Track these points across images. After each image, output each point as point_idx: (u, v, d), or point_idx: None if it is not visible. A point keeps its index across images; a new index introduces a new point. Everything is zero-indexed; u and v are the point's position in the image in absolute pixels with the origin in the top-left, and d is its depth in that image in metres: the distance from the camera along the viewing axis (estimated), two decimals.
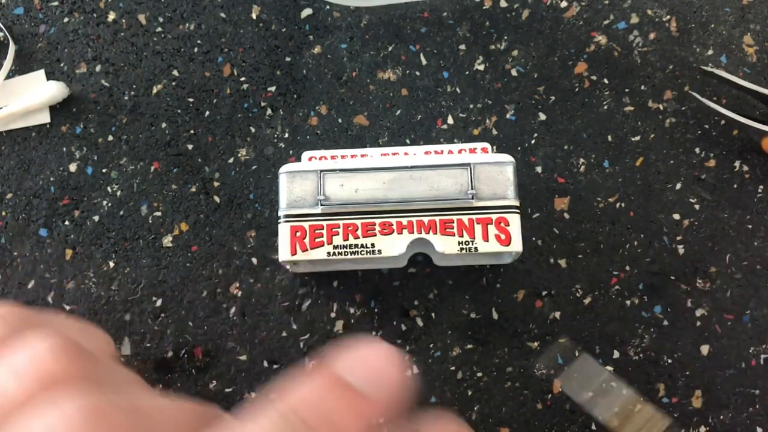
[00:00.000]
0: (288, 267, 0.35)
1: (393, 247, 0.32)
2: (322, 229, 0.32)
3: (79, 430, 0.20)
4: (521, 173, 0.37)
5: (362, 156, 0.34)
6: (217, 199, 0.37)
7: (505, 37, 0.38)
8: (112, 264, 0.36)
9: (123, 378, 0.26)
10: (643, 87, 0.37)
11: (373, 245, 0.32)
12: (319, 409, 0.21)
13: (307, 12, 0.38)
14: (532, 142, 0.37)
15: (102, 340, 0.29)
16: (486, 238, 0.32)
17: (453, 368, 0.35)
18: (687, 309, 0.36)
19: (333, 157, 0.33)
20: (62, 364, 0.22)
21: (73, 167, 0.37)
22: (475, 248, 0.31)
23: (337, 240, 0.32)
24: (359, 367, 0.23)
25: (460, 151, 0.34)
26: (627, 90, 0.37)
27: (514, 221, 0.32)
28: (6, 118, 0.37)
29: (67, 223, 0.37)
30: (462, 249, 0.32)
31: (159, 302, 0.36)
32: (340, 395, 0.22)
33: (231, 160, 0.37)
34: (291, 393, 0.22)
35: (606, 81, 0.38)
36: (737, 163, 0.37)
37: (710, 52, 0.38)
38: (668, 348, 0.35)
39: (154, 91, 0.38)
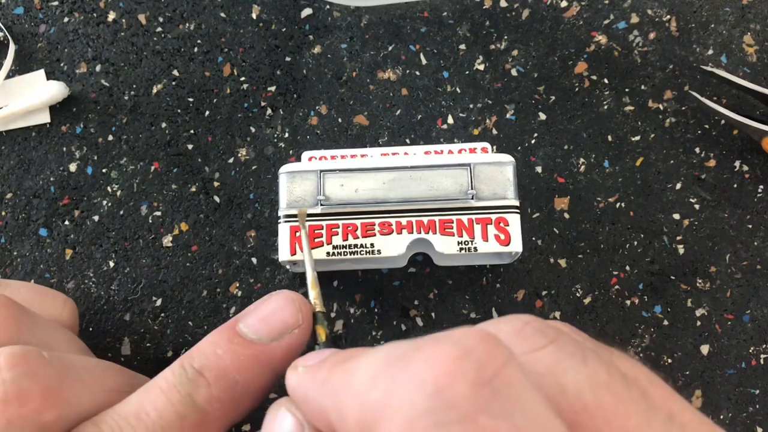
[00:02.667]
0: (288, 267, 0.35)
1: (393, 247, 0.32)
2: (322, 229, 0.32)
3: (2, 372, 0.21)
4: (521, 173, 0.37)
5: (362, 156, 0.34)
6: (217, 199, 0.37)
7: (505, 37, 0.38)
8: (112, 264, 0.36)
9: (61, 339, 0.27)
10: (643, 87, 0.37)
11: (372, 245, 0.32)
12: (211, 357, 0.24)
13: (307, 12, 0.38)
14: (532, 142, 0.37)
15: (57, 306, 0.30)
16: (485, 238, 0.32)
17: None
18: (687, 309, 0.36)
19: (333, 157, 0.33)
20: None
21: (73, 167, 0.37)
22: (475, 248, 0.31)
23: (337, 240, 0.32)
24: (253, 318, 0.26)
25: (460, 151, 0.34)
26: (627, 90, 0.37)
27: (514, 221, 0.32)
28: (6, 118, 0.37)
29: (67, 223, 0.37)
30: (461, 249, 0.32)
31: (159, 302, 0.36)
32: (230, 344, 0.25)
33: (231, 160, 0.37)
34: (195, 348, 0.25)
35: (606, 81, 0.38)
36: (737, 163, 0.37)
37: (710, 52, 0.38)
38: (668, 348, 0.35)
39: (154, 91, 0.38)
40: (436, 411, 0.15)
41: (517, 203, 0.32)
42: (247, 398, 0.25)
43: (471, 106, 0.37)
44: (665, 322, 0.35)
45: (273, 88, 0.38)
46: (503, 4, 0.38)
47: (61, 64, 0.38)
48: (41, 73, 0.38)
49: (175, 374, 0.24)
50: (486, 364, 0.15)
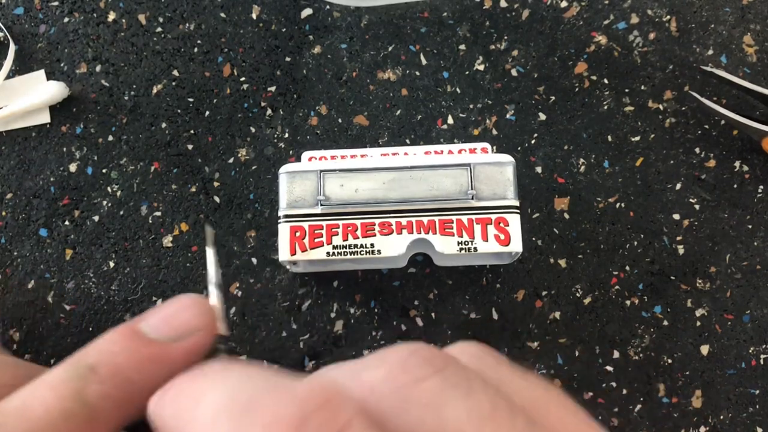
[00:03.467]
0: (288, 267, 0.35)
1: (393, 247, 0.32)
2: (322, 229, 0.32)
3: None
4: (521, 173, 0.37)
5: (362, 156, 0.34)
6: (217, 199, 0.37)
7: (505, 37, 0.38)
8: (112, 264, 0.36)
9: None
10: (643, 87, 0.37)
11: (372, 245, 0.32)
12: (106, 353, 0.23)
13: (307, 12, 0.38)
14: (532, 142, 0.37)
15: None
16: (485, 238, 0.32)
17: None
18: (687, 309, 0.36)
19: (333, 157, 0.33)
20: None
21: (73, 167, 0.37)
22: (475, 248, 0.31)
23: (337, 240, 0.32)
24: (155, 317, 0.25)
25: (460, 151, 0.34)
26: (627, 90, 0.37)
27: (514, 221, 0.32)
28: (6, 118, 0.37)
29: (67, 223, 0.37)
30: (461, 249, 0.32)
31: (159, 302, 0.36)
32: (128, 341, 0.24)
33: (231, 160, 0.37)
34: (90, 345, 0.24)
35: (606, 81, 0.38)
36: (737, 163, 0.37)
37: (710, 52, 0.38)
38: (668, 348, 0.35)
39: (154, 91, 0.38)
40: None
41: (517, 203, 0.32)
42: (142, 398, 0.24)
43: (471, 106, 0.37)
44: (665, 322, 0.35)
45: (273, 88, 0.38)
46: (503, 4, 0.38)
47: (61, 64, 0.38)
48: (41, 73, 0.38)
49: (66, 370, 0.23)
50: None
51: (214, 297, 0.27)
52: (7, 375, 0.25)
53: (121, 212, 0.37)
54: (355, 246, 0.32)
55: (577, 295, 0.36)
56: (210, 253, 0.29)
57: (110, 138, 0.37)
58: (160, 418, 0.20)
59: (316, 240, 0.32)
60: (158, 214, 0.37)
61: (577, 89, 0.38)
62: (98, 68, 0.38)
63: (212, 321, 0.26)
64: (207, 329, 0.25)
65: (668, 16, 0.38)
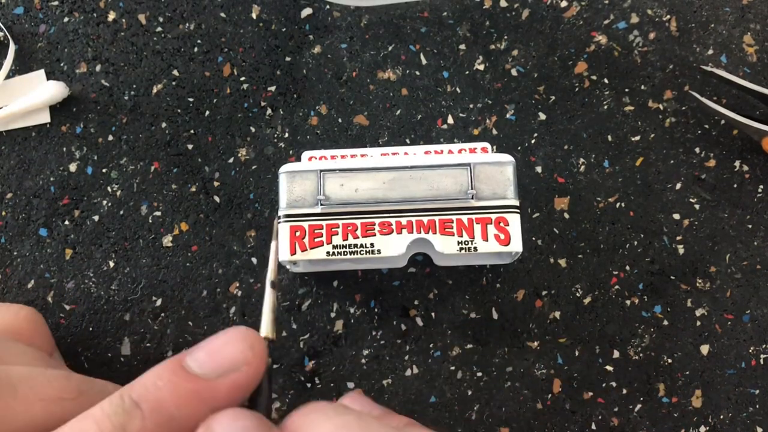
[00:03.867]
0: (288, 267, 0.35)
1: (393, 247, 0.32)
2: (322, 229, 0.32)
3: None
4: (521, 173, 0.37)
5: (362, 156, 0.34)
6: (217, 199, 0.37)
7: (505, 37, 0.38)
8: (112, 264, 0.36)
9: (7, 351, 0.27)
10: (643, 87, 0.37)
11: (372, 245, 0.32)
12: (150, 388, 0.23)
13: (307, 12, 0.38)
14: (532, 142, 0.37)
15: (9, 318, 0.30)
16: (485, 238, 0.32)
17: (453, 368, 0.35)
18: (687, 309, 0.36)
19: (333, 157, 0.33)
20: None
21: (73, 167, 0.37)
22: (475, 248, 0.31)
23: (337, 240, 0.32)
24: (202, 351, 0.25)
25: (460, 151, 0.34)
26: (627, 90, 0.37)
27: (514, 221, 0.32)
28: (6, 118, 0.37)
29: (67, 223, 0.37)
30: (461, 249, 0.32)
31: (159, 302, 0.36)
32: (172, 376, 0.23)
33: (231, 160, 0.37)
34: (138, 379, 0.24)
35: (606, 81, 0.38)
36: (737, 163, 0.37)
37: (710, 52, 0.38)
38: (668, 348, 0.35)
39: (154, 91, 0.38)
40: None
41: (517, 203, 0.32)
42: None
43: (471, 106, 0.37)
44: (665, 322, 0.35)
45: (273, 88, 0.38)
46: (503, 4, 0.38)
47: (61, 64, 0.38)
48: (41, 73, 0.38)
49: (111, 404, 0.23)
50: None
51: (268, 294, 0.26)
52: (54, 390, 0.25)
53: (121, 212, 0.37)
54: (355, 246, 0.32)
55: (577, 295, 0.36)
56: (273, 247, 0.28)
57: (110, 138, 0.37)
58: None
59: (316, 240, 0.32)
60: (158, 213, 0.37)
61: (577, 89, 0.38)
62: (98, 68, 0.38)
63: (260, 356, 0.25)
64: (253, 365, 0.25)
65: (668, 16, 0.38)
